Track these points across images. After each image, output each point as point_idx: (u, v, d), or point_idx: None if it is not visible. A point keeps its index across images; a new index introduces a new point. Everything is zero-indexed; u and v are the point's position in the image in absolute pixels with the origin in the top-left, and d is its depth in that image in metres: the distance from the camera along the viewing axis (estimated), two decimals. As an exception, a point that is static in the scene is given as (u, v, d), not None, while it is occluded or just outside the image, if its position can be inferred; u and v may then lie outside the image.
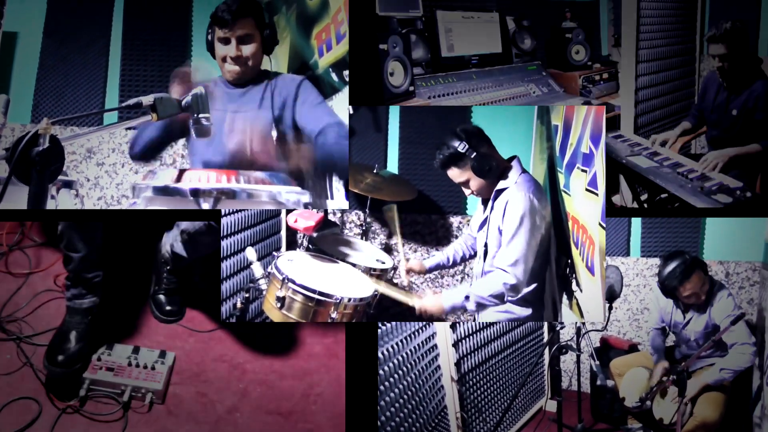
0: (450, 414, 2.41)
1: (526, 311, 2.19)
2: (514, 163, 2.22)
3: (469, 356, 2.53)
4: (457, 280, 2.97)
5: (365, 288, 2.15)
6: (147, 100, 1.83)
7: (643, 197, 2.68)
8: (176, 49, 2.79)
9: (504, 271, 2.13)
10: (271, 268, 2.06)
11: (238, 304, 2.23)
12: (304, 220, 2.21)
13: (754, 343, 2.41)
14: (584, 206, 2.16)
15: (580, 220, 2.20)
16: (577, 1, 3.03)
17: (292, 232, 2.60)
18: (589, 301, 2.21)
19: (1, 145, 2.41)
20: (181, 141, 2.62)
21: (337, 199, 2.48)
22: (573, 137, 2.28)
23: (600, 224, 2.04)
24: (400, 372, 2.19)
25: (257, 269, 2.25)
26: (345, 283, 2.15)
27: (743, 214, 2.45)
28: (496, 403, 2.72)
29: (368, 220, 2.78)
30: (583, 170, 2.17)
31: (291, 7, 2.66)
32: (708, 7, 2.95)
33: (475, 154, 2.15)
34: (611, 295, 2.46)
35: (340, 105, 2.44)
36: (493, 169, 2.19)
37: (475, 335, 2.57)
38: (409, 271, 2.47)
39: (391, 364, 2.17)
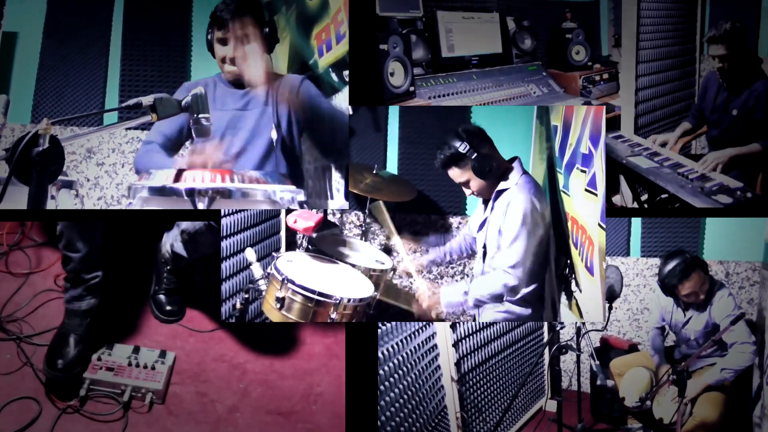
0: (450, 414, 2.41)
1: (526, 311, 2.20)
2: (515, 164, 2.22)
3: (469, 356, 2.53)
4: (456, 281, 2.97)
5: (365, 288, 2.15)
6: (147, 100, 1.83)
7: (644, 197, 2.68)
8: (176, 49, 2.79)
9: (504, 272, 2.13)
10: (271, 269, 2.05)
11: (238, 305, 2.23)
12: (303, 221, 2.21)
13: (754, 342, 2.41)
14: (583, 206, 2.16)
15: (579, 220, 2.20)
16: (578, 1, 3.03)
17: (291, 233, 2.60)
18: (589, 302, 2.21)
19: (1, 146, 2.41)
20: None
21: (337, 199, 2.48)
22: (572, 137, 2.28)
23: (599, 224, 2.04)
24: (400, 372, 2.19)
25: (256, 270, 2.25)
26: (344, 283, 2.15)
27: (743, 215, 2.45)
28: (496, 403, 2.72)
29: (368, 220, 2.78)
30: (582, 170, 2.17)
31: (291, 7, 2.66)
32: (708, 8, 2.95)
33: (475, 154, 2.15)
34: (611, 295, 2.46)
35: (340, 105, 2.45)
36: (493, 170, 2.19)
37: (475, 335, 2.57)
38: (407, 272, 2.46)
39: (391, 364, 2.17)
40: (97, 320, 2.32)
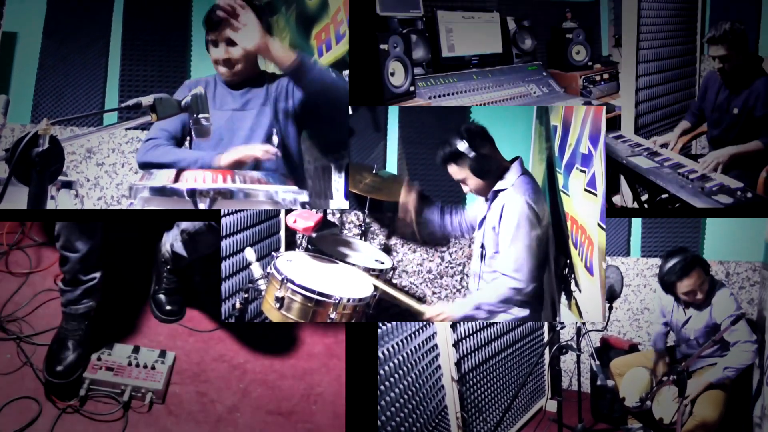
0: (450, 414, 2.41)
1: (524, 312, 2.19)
2: (514, 165, 2.22)
3: (469, 356, 2.53)
4: (456, 281, 2.97)
5: (364, 288, 2.15)
6: (147, 100, 1.83)
7: (644, 197, 2.68)
8: (176, 49, 2.79)
9: (508, 276, 2.13)
10: (270, 269, 2.05)
11: (237, 305, 2.23)
12: (303, 221, 2.21)
13: (755, 341, 2.41)
14: (583, 206, 2.16)
15: (578, 220, 2.20)
16: (578, 1, 3.03)
17: (291, 233, 2.60)
18: (588, 302, 2.21)
19: (1, 146, 2.42)
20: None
21: (337, 199, 2.48)
22: (572, 137, 2.28)
23: (599, 224, 2.04)
24: (401, 372, 2.19)
25: (256, 270, 2.25)
26: (344, 283, 2.15)
27: (743, 215, 2.45)
28: (497, 403, 2.72)
29: (367, 220, 2.78)
30: (581, 170, 2.17)
31: (290, 7, 2.66)
32: (708, 7, 2.95)
33: (474, 154, 2.15)
34: (611, 295, 2.46)
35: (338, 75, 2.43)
36: (491, 170, 2.19)
37: (475, 335, 2.57)
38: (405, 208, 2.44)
39: (391, 364, 2.17)
40: (95, 322, 2.32)
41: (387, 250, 2.90)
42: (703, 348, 2.44)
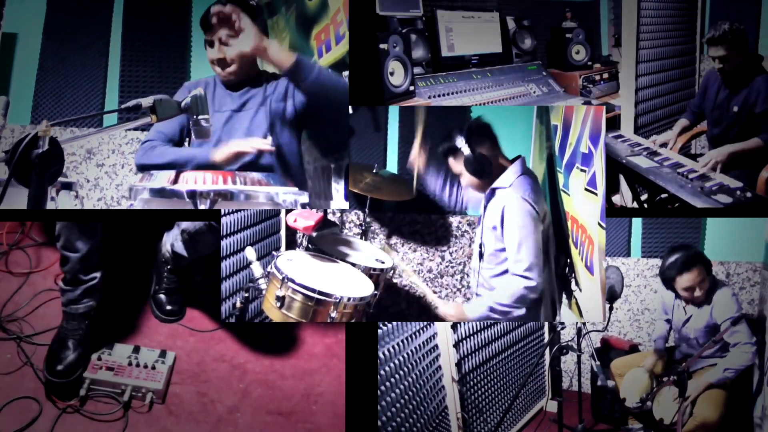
0: (451, 414, 2.41)
1: (521, 311, 2.19)
2: (514, 164, 2.22)
3: (469, 357, 2.53)
4: (456, 280, 2.97)
5: (365, 287, 2.15)
6: (146, 101, 1.83)
7: (644, 197, 2.68)
8: (176, 50, 2.79)
9: (522, 277, 2.13)
10: (271, 268, 2.05)
11: (238, 304, 2.23)
12: (303, 220, 2.22)
13: (755, 342, 2.41)
14: (583, 206, 2.16)
15: (579, 219, 2.20)
16: (578, 1, 3.03)
17: (291, 232, 2.60)
18: (588, 301, 2.21)
19: (1, 147, 2.41)
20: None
21: (337, 198, 2.48)
22: (572, 137, 2.28)
23: (599, 224, 2.04)
24: (401, 372, 2.19)
25: (256, 269, 2.25)
26: (344, 282, 2.15)
27: (744, 215, 2.45)
28: (497, 404, 2.72)
29: (368, 219, 2.78)
30: (582, 170, 2.17)
31: (290, 7, 2.66)
32: (708, 7, 2.95)
33: (469, 152, 2.16)
34: (612, 296, 2.46)
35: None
36: (485, 170, 2.19)
37: (475, 336, 2.57)
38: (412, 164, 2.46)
39: (391, 365, 2.17)
40: (96, 322, 2.32)
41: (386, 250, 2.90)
42: (703, 348, 2.44)
